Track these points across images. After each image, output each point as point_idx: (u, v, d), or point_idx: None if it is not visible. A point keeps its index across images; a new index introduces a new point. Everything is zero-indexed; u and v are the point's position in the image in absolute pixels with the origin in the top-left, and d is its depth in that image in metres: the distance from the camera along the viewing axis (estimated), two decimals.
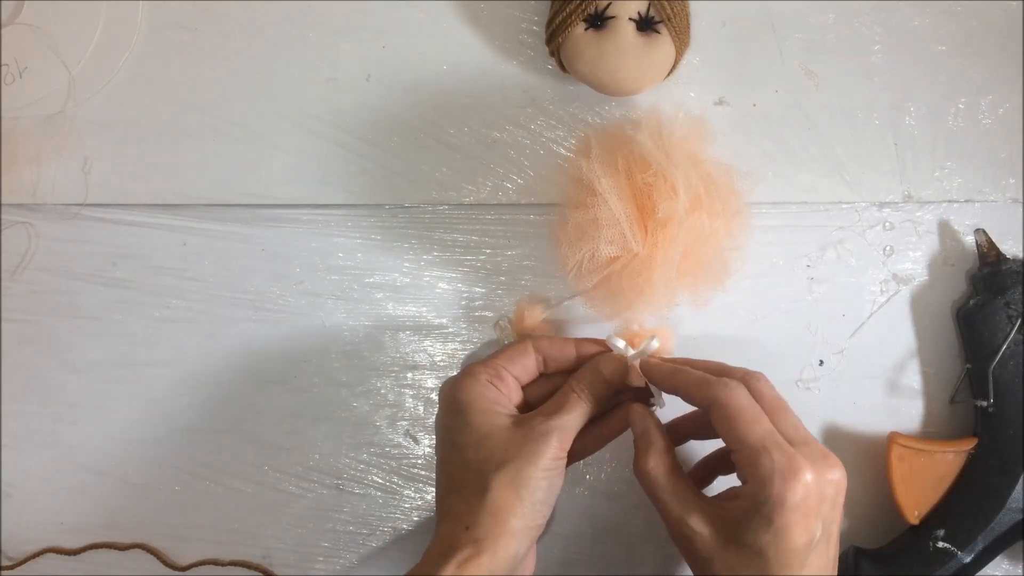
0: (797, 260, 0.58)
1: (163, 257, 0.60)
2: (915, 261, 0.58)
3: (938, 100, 0.57)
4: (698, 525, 0.45)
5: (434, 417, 0.59)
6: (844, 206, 0.58)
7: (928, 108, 0.57)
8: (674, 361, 0.51)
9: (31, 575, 0.60)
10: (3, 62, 0.59)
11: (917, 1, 0.57)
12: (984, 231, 0.56)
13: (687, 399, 0.48)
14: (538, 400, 0.52)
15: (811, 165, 0.57)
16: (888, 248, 0.58)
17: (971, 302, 0.55)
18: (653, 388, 0.51)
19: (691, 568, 0.47)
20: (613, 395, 0.51)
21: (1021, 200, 0.57)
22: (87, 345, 0.60)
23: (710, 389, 0.46)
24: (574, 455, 0.49)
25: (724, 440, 0.46)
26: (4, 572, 0.60)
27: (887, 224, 0.58)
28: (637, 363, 0.51)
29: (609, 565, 0.58)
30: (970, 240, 0.57)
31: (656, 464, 0.47)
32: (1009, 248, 0.57)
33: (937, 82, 0.57)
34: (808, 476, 0.42)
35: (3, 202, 0.59)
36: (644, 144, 0.51)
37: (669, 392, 0.50)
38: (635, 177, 0.51)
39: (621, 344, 0.51)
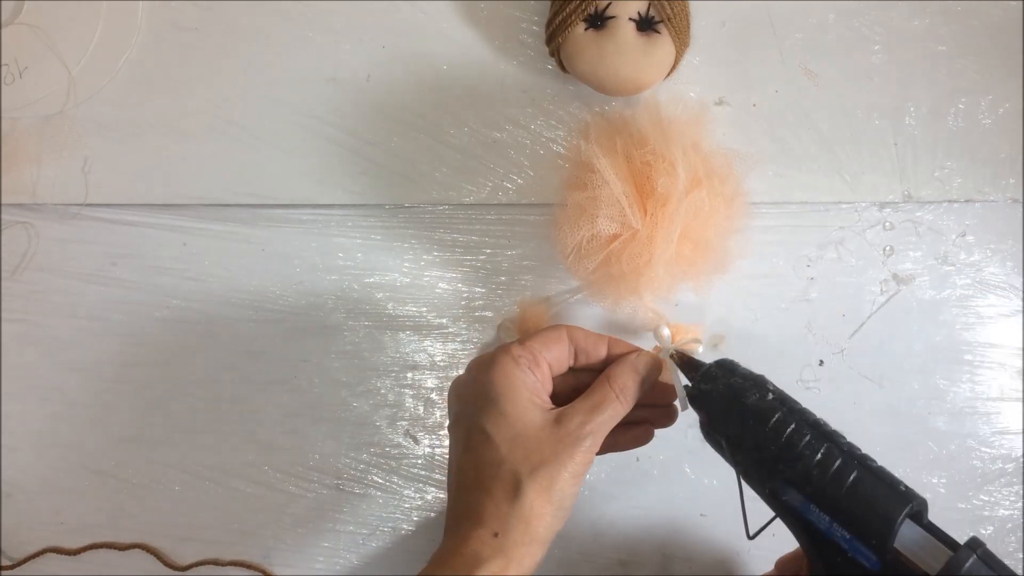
0: (797, 260, 0.58)
1: (163, 257, 0.60)
2: (915, 261, 0.58)
3: (938, 100, 0.57)
4: None
5: (434, 417, 0.59)
6: (844, 206, 0.58)
7: (928, 108, 0.57)
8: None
9: (31, 575, 0.60)
10: (3, 62, 0.59)
11: (917, 1, 0.57)
12: (677, 353, 0.50)
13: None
14: (563, 392, 0.48)
15: (811, 165, 0.57)
16: (888, 248, 0.58)
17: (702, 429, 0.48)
18: (680, 390, 0.49)
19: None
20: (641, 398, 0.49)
21: (1021, 200, 0.57)
22: (87, 345, 0.60)
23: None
24: None
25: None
26: (4, 572, 0.60)
27: (887, 224, 0.58)
28: (668, 358, 0.49)
29: (609, 565, 0.58)
30: (970, 240, 0.57)
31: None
32: (1010, 247, 0.57)
33: (937, 82, 0.57)
34: None
35: (3, 202, 0.59)
36: (642, 125, 0.51)
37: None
38: (633, 158, 0.51)
39: (667, 333, 0.50)
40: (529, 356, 0.46)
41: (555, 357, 0.48)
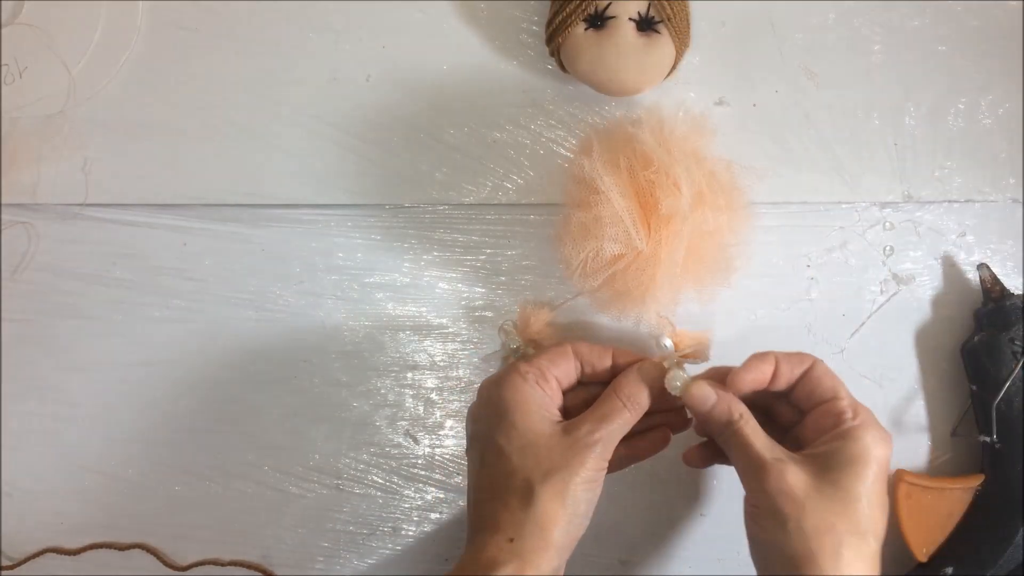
0: (797, 260, 0.58)
1: (163, 257, 0.60)
2: (915, 261, 0.58)
3: (938, 100, 0.57)
4: (795, 474, 0.45)
5: (434, 417, 0.59)
6: (844, 206, 0.58)
7: (928, 108, 0.57)
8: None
9: (31, 575, 0.60)
10: (3, 62, 0.59)
11: (917, 1, 0.57)
12: (988, 266, 0.55)
13: (760, 384, 0.48)
14: (575, 407, 0.50)
15: (811, 165, 0.57)
16: (888, 248, 0.58)
17: (976, 338, 0.54)
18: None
19: (764, 529, 0.46)
20: (651, 405, 0.50)
21: (1021, 200, 0.57)
22: (87, 345, 0.60)
23: (802, 360, 0.48)
24: (608, 467, 0.48)
25: (809, 400, 0.48)
26: (4, 572, 0.60)
27: (887, 224, 0.58)
28: (673, 368, 0.50)
29: (609, 565, 0.58)
30: (970, 240, 0.57)
31: (746, 422, 0.47)
32: (1010, 248, 0.57)
33: (937, 82, 0.57)
34: (890, 444, 0.47)
35: (3, 202, 0.59)
36: (646, 141, 0.51)
37: (744, 388, 0.48)
38: (637, 175, 0.51)
39: (669, 344, 0.50)
40: (536, 371, 0.48)
41: (562, 371, 0.49)
